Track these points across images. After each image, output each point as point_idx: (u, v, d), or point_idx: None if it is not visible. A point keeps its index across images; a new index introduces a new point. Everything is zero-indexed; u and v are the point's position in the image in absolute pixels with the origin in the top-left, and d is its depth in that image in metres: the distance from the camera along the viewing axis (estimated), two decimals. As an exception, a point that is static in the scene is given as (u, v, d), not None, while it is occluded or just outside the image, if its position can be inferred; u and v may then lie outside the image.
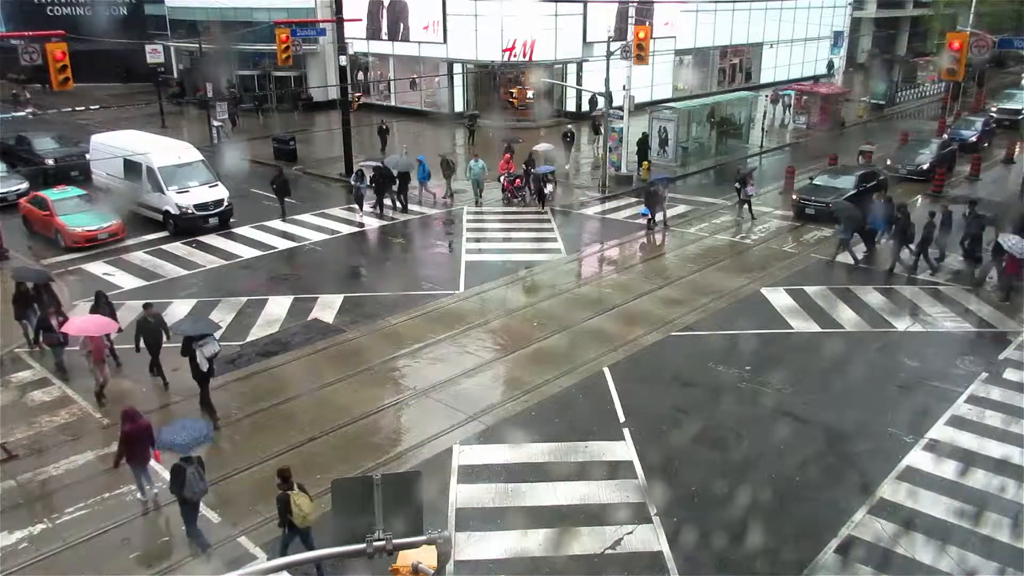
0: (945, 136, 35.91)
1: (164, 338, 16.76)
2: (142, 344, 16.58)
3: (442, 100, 46.43)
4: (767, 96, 42.94)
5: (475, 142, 38.66)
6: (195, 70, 48.76)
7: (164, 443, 11.97)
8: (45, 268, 20.40)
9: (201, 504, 12.10)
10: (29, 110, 41.14)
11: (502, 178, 30.21)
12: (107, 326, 16.21)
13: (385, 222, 28.04)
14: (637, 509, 12.86)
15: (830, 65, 57.64)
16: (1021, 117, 43.15)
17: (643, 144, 33.46)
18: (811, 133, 42.57)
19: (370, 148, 36.62)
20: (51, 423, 15.38)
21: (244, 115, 44.41)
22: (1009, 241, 20.48)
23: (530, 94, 45.53)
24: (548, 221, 27.88)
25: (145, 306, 17.07)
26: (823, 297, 21.16)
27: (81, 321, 16.46)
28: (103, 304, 17.59)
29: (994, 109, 43.58)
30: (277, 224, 27.39)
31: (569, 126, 37.14)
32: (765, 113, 41.57)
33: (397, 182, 28.62)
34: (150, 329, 16.71)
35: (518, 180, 29.88)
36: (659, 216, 26.98)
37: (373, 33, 47.58)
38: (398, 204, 29.00)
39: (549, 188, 29.80)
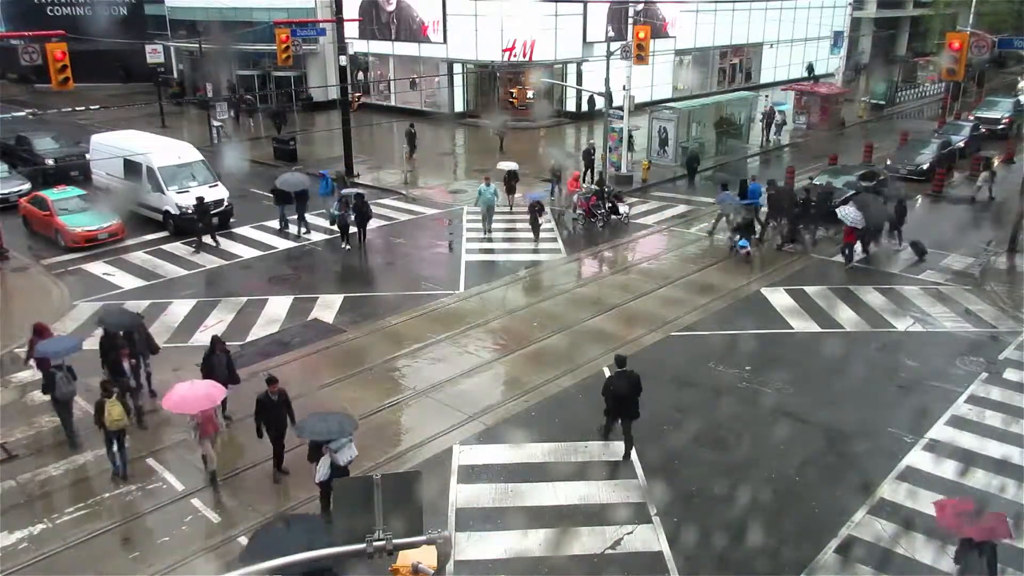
0: (934, 140, 35.54)
1: (289, 423, 13.50)
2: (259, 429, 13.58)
3: (442, 100, 46.44)
4: (762, 114, 40.98)
5: (504, 149, 37.45)
6: (195, 70, 48.76)
7: (40, 352, 14.97)
8: (135, 313, 17.34)
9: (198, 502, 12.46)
10: (29, 110, 41.13)
11: (576, 197, 27.25)
12: (217, 395, 13.35)
13: (292, 243, 25.79)
14: (637, 509, 12.86)
15: (810, 68, 57.53)
16: (1001, 127, 41.32)
17: (693, 160, 32.97)
18: (811, 133, 42.59)
19: (370, 148, 36.58)
20: (51, 423, 15.36)
21: (247, 115, 44.08)
22: (845, 213, 22.93)
23: (530, 94, 45.53)
24: (548, 221, 27.84)
25: (269, 380, 13.50)
26: (823, 297, 21.16)
27: (186, 391, 13.11)
28: (218, 352, 14.76)
29: (971, 118, 40.27)
30: (277, 224, 27.29)
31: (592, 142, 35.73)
32: (765, 124, 40.51)
33: (295, 202, 26.08)
34: (274, 410, 13.44)
35: (594, 197, 26.83)
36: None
37: (372, 33, 47.59)
38: (300, 228, 26.22)
39: (624, 208, 27.25)
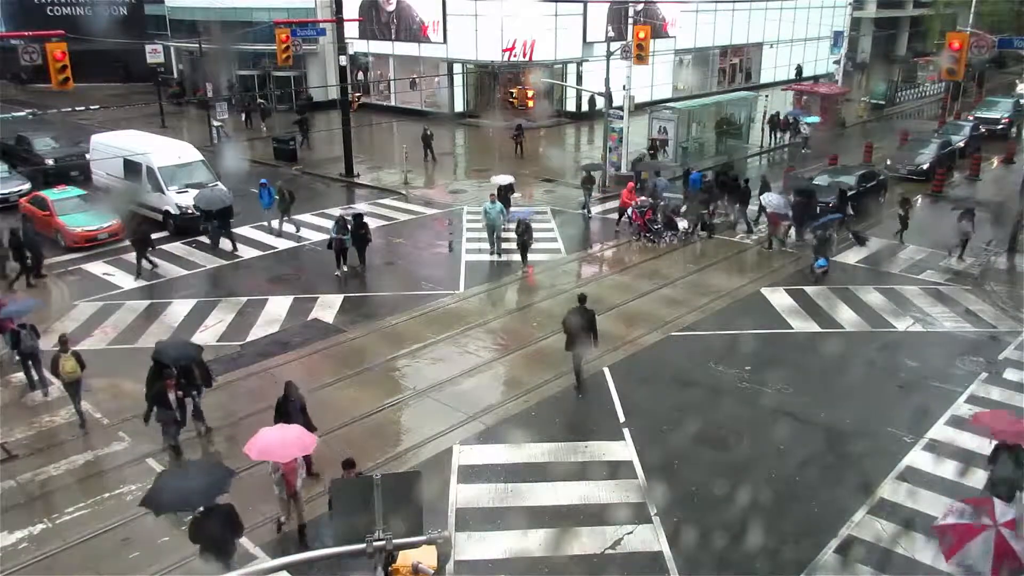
0: (934, 140, 35.53)
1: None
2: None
3: (442, 100, 46.43)
4: (783, 119, 39.78)
5: (523, 154, 36.78)
6: (195, 70, 48.73)
7: (4, 313, 16.75)
8: (194, 345, 15.78)
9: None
10: (29, 110, 41.17)
11: (629, 211, 25.54)
12: (310, 443, 12.09)
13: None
14: (637, 509, 12.86)
15: (799, 71, 57.36)
16: (1001, 127, 41.23)
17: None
18: (811, 133, 42.53)
19: (370, 149, 36.52)
20: (51, 423, 15.38)
21: (261, 119, 43.45)
22: (768, 200, 24.13)
23: (530, 94, 45.52)
24: (548, 221, 27.85)
25: (345, 465, 11.47)
26: (823, 297, 21.16)
27: (273, 438, 11.74)
28: (293, 398, 13.40)
29: (971, 118, 40.19)
30: (277, 224, 27.34)
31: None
32: (781, 128, 39.81)
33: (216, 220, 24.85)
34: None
35: (649, 212, 24.91)
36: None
37: (372, 33, 47.58)
38: (229, 244, 24.97)
39: (683, 224, 25.24)
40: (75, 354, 15.08)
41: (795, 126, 39.53)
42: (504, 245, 24.33)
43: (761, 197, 24.72)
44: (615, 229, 26.03)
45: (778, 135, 40.05)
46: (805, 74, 58.14)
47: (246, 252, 24.92)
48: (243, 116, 43.55)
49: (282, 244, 25.64)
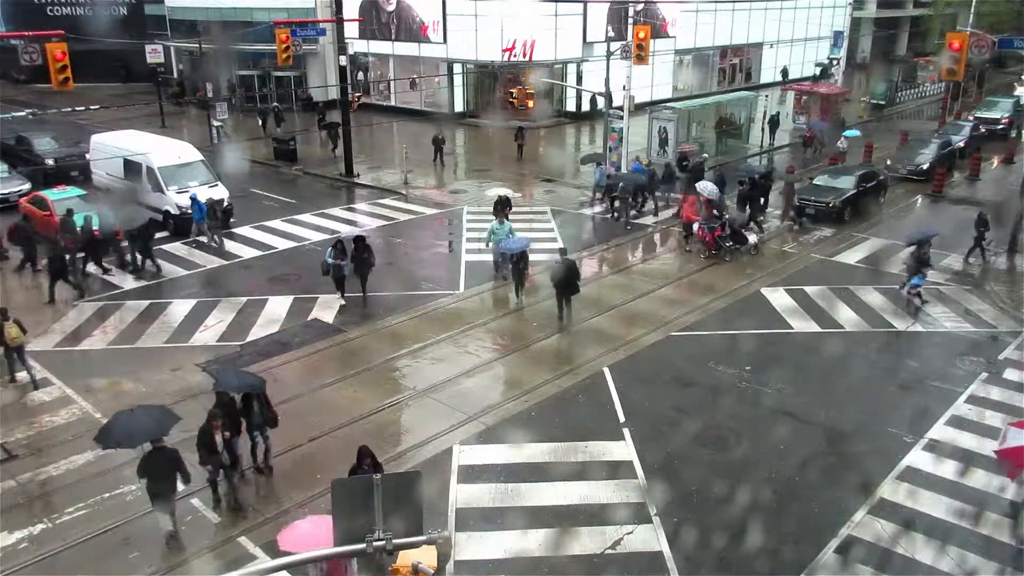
0: (934, 140, 35.51)
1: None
2: None
3: (442, 100, 46.45)
4: (808, 134, 37.96)
5: (523, 157, 36.01)
6: (195, 70, 48.68)
7: None
8: (257, 377, 14.46)
9: (198, 502, 12.75)
10: (29, 110, 41.17)
11: (695, 227, 24.25)
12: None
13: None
14: (637, 509, 12.86)
15: (784, 73, 56.58)
16: (1001, 127, 41.09)
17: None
18: (848, 147, 42.45)
19: (370, 149, 36.49)
20: (51, 423, 15.38)
21: (276, 124, 42.36)
22: (703, 186, 24.91)
23: (530, 93, 45.55)
24: (548, 221, 27.87)
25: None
26: (823, 297, 21.16)
27: (310, 530, 10.34)
28: (366, 465, 11.75)
29: (971, 118, 40.08)
30: (277, 224, 27.37)
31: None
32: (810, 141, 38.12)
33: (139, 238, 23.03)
34: None
35: (719, 229, 23.63)
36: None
37: (372, 33, 47.58)
38: (145, 264, 23.07)
39: (753, 238, 24.26)
40: (16, 321, 16.45)
41: (820, 139, 37.17)
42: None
43: (697, 184, 25.45)
44: (685, 248, 24.57)
45: (804, 152, 37.30)
46: (805, 75, 58.07)
47: (246, 252, 24.90)
48: (260, 121, 42.58)
49: (282, 244, 25.64)
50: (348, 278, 20.59)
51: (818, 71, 55.52)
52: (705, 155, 31.64)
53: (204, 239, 25.37)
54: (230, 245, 25.41)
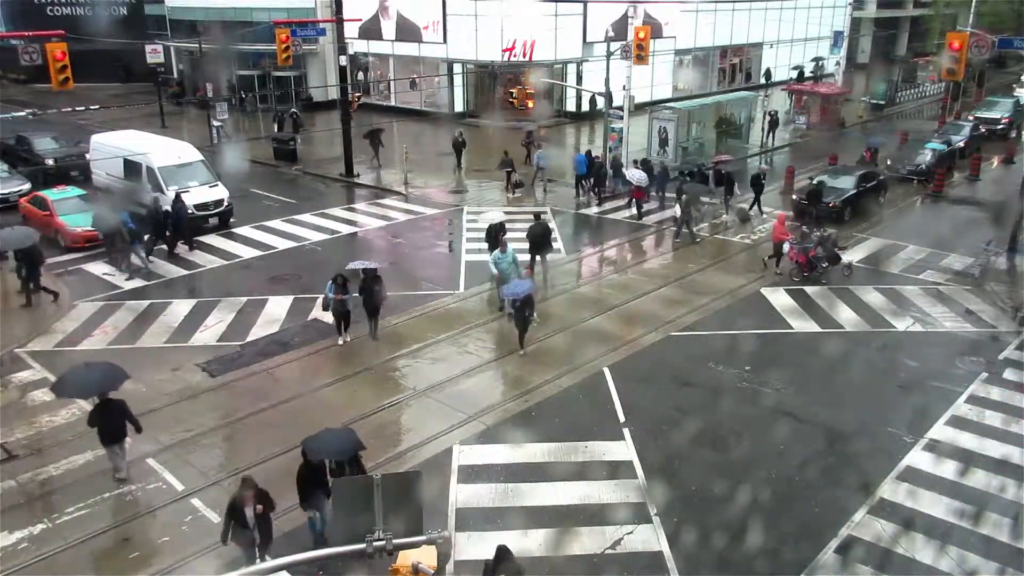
0: (934, 140, 35.33)
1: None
2: None
3: (442, 100, 46.44)
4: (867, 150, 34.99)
5: (528, 150, 34.36)
6: (195, 70, 48.66)
7: None
8: (351, 432, 12.47)
9: (199, 502, 12.87)
10: (29, 110, 41.15)
11: (787, 247, 22.38)
12: None
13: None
14: (637, 509, 12.86)
15: (767, 74, 56.37)
16: (1001, 127, 41.02)
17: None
18: (811, 133, 42.59)
19: (370, 150, 36.38)
20: (51, 423, 15.38)
21: (294, 129, 41.27)
22: (631, 174, 27.95)
23: (530, 93, 45.53)
24: (548, 221, 27.80)
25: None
26: (823, 297, 21.16)
27: None
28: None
29: (971, 118, 39.83)
30: (277, 224, 27.36)
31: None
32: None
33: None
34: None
35: (813, 250, 22.01)
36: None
37: (372, 34, 47.57)
38: (29, 290, 20.59)
39: (847, 258, 22.76)
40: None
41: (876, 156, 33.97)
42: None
43: (626, 172, 28.39)
44: (776, 271, 22.70)
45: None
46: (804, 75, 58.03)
47: (246, 252, 24.90)
48: (275, 125, 41.29)
49: (282, 244, 25.63)
50: (353, 312, 18.48)
51: (794, 74, 55.10)
52: (727, 157, 31.53)
53: (139, 262, 22.89)
54: (230, 245, 25.38)
